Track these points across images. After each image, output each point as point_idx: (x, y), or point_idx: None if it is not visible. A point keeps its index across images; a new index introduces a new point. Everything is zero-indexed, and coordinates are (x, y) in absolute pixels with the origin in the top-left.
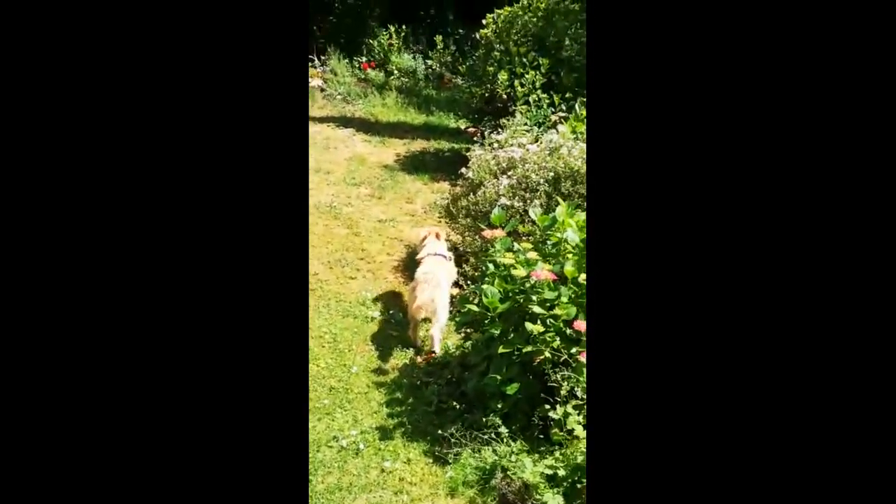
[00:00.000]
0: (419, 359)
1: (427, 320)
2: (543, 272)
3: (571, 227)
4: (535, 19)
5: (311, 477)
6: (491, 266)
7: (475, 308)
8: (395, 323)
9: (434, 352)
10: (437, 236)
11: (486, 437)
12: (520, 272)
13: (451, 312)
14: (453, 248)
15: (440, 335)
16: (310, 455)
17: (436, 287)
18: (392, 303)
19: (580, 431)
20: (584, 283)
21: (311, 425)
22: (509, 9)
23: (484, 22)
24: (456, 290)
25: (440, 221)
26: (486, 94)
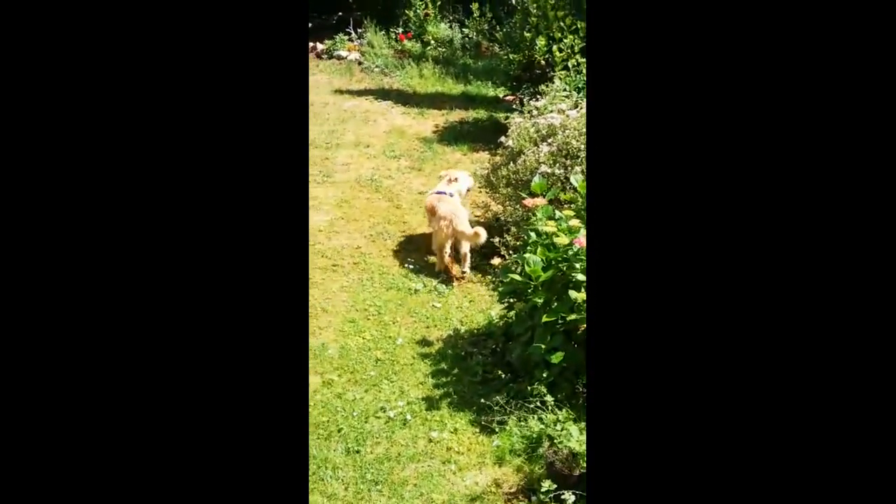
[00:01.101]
0: (455, 278)
1: (454, 248)
2: (586, 239)
3: None
4: None
5: (359, 447)
6: (533, 235)
7: (518, 277)
8: (438, 293)
9: (465, 272)
10: (450, 181)
11: (531, 406)
12: (562, 240)
13: (493, 280)
14: (495, 217)
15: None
16: (358, 426)
17: (460, 219)
18: (434, 274)
19: None
20: None
21: (358, 396)
22: None
23: None
24: (498, 260)
25: (481, 191)
26: (524, 61)
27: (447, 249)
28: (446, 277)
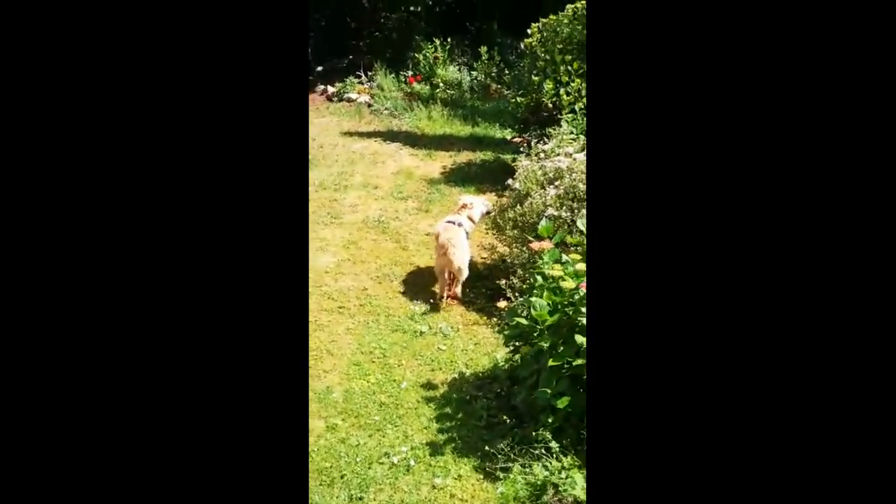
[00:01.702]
0: (443, 302)
1: (451, 275)
2: None
3: None
4: (579, 27)
5: (362, 494)
6: (539, 278)
7: (524, 321)
8: (444, 336)
9: (458, 295)
10: (463, 207)
11: (536, 451)
12: (569, 284)
13: (499, 323)
14: (501, 259)
15: (461, 280)
16: (361, 472)
17: (455, 247)
18: (439, 316)
19: None
20: None
21: (362, 441)
22: (554, 17)
23: (528, 31)
24: (504, 303)
25: (487, 233)
26: (532, 104)
27: (445, 276)
28: (439, 303)
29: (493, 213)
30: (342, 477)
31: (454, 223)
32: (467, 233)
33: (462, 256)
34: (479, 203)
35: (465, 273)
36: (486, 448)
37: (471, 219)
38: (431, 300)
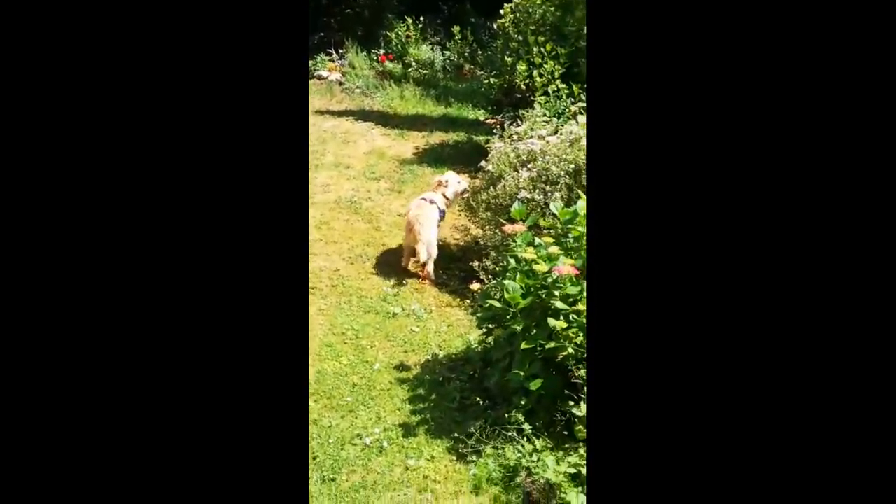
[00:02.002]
0: (417, 281)
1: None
2: (565, 267)
3: None
4: (552, 8)
5: (335, 475)
6: (512, 261)
7: (497, 304)
8: (417, 317)
9: (430, 276)
10: (438, 185)
11: (509, 433)
12: (542, 267)
13: (472, 305)
14: (474, 240)
15: (426, 258)
16: (333, 453)
17: (422, 225)
18: (412, 297)
19: None
20: None
21: (334, 423)
22: None
23: (501, 12)
24: (477, 285)
25: (461, 215)
26: (505, 85)
27: (410, 252)
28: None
29: (467, 194)
30: (314, 458)
31: (427, 200)
32: (442, 210)
33: (428, 234)
34: (455, 181)
35: (433, 251)
36: (459, 430)
37: (445, 196)
38: (404, 281)
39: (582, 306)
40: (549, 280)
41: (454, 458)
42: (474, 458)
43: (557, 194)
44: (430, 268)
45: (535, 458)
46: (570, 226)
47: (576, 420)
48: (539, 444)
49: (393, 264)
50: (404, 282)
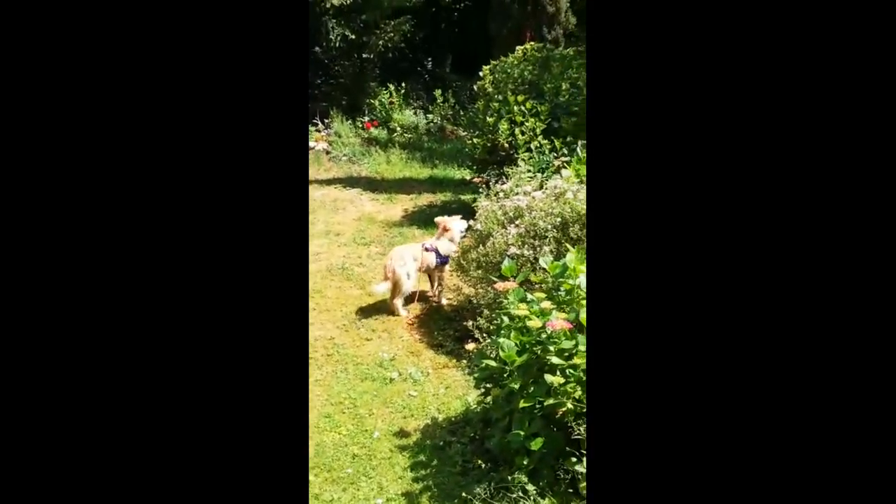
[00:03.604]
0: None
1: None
2: (559, 322)
3: (583, 273)
4: (530, 67)
5: None
6: (505, 319)
7: (493, 363)
8: (414, 381)
9: (396, 308)
10: (444, 231)
11: (513, 495)
12: (535, 323)
13: (469, 366)
14: (467, 299)
15: (398, 301)
16: None
17: (396, 263)
18: (409, 361)
19: None
20: None
21: (336, 496)
22: (504, 59)
23: (480, 73)
24: (472, 345)
25: (452, 274)
26: (489, 144)
27: (393, 290)
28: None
29: (464, 236)
30: None
31: (428, 249)
32: (445, 256)
33: (400, 271)
34: (456, 224)
35: (403, 286)
36: (463, 494)
37: (451, 241)
38: (399, 347)
39: (578, 360)
40: (544, 336)
41: None
42: None
43: (546, 248)
44: (398, 302)
45: None
46: (560, 279)
47: (579, 477)
48: (545, 503)
49: (388, 330)
50: (398, 346)
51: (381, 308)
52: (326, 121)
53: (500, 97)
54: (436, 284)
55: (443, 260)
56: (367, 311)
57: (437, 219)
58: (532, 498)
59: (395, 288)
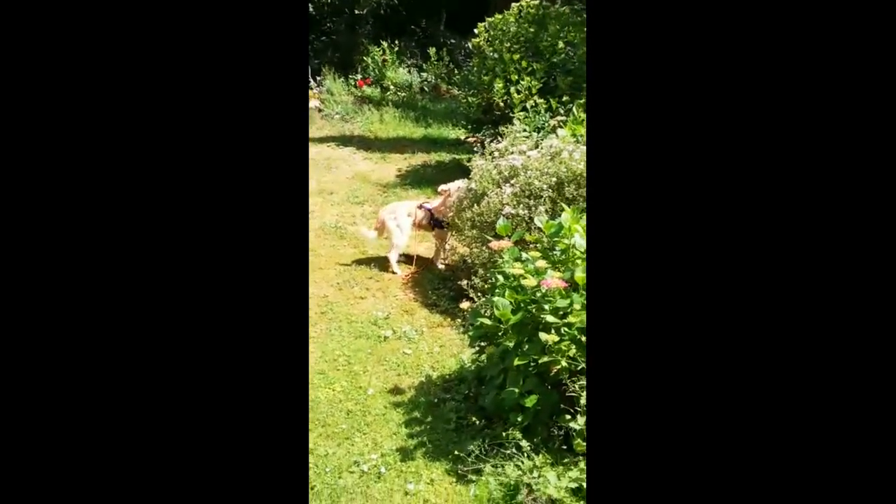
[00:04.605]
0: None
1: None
2: (554, 280)
3: (578, 233)
4: (526, 25)
5: None
6: (500, 277)
7: (487, 321)
8: (408, 339)
9: (392, 266)
10: (446, 195)
11: (507, 451)
12: (530, 282)
13: (463, 324)
14: (462, 259)
15: (393, 256)
16: (331, 482)
17: (387, 215)
18: (403, 319)
19: None
20: None
21: (331, 451)
22: (500, 16)
23: (475, 31)
24: (467, 303)
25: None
26: (483, 104)
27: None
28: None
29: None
30: (312, 488)
31: (422, 207)
32: (440, 220)
33: (390, 223)
34: (454, 188)
35: (393, 236)
36: (457, 451)
37: (444, 205)
38: (393, 306)
39: (572, 318)
40: (539, 294)
41: (454, 479)
42: (474, 478)
43: (541, 208)
44: (392, 256)
45: (535, 474)
46: (555, 239)
47: (573, 434)
48: (539, 460)
49: (382, 288)
50: (392, 304)
51: (375, 267)
52: (318, 78)
53: (496, 55)
54: (439, 250)
55: (437, 223)
56: (361, 270)
57: (441, 187)
58: (526, 454)
59: (388, 239)
